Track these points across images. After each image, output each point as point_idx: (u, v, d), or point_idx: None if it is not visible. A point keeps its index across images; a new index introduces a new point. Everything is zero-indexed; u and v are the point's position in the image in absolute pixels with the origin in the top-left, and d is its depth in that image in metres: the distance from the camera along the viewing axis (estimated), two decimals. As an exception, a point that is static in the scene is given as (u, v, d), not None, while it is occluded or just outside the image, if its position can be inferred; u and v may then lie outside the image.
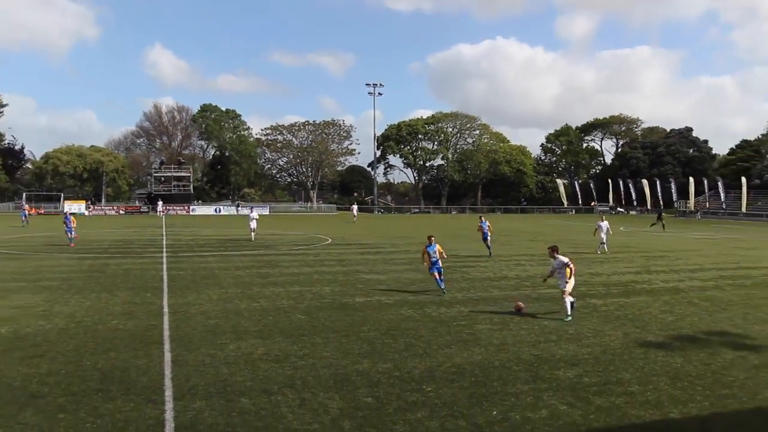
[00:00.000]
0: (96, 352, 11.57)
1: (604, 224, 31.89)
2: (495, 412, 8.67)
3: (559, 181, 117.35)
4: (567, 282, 14.99)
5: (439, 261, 18.28)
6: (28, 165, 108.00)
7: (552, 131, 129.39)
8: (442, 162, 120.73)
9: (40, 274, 22.03)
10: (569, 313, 14.89)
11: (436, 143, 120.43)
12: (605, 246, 31.70)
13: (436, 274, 18.24)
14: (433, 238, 18.56)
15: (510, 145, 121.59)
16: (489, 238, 30.06)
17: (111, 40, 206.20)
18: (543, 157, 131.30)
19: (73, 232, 33.40)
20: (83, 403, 8.78)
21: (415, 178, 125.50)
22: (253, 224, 38.35)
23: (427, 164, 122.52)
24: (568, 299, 14.99)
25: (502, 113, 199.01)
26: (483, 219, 31.02)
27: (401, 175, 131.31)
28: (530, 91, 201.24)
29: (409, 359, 11.35)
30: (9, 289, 18.56)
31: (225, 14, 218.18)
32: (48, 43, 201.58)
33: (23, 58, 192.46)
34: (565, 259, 15.14)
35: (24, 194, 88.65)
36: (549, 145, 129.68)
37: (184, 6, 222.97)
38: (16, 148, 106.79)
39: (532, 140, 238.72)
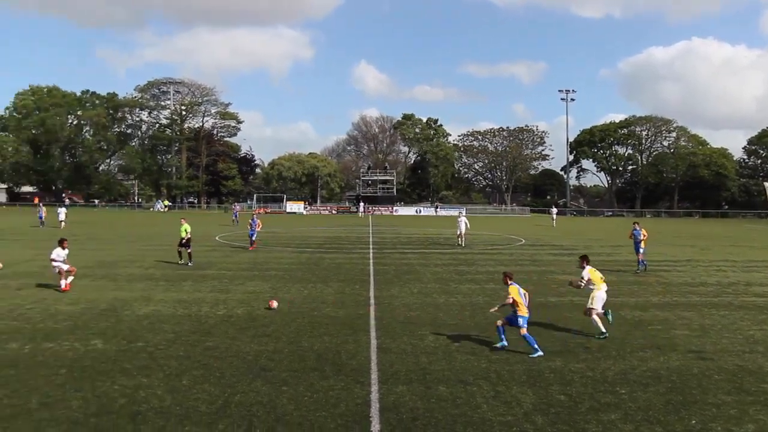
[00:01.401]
0: (313, 335, 12.50)
1: None
2: (694, 422, 7.99)
3: (766, 184, 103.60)
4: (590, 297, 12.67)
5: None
6: (258, 170, 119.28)
7: (756, 132, 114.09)
8: (636, 166, 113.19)
9: (268, 264, 24.20)
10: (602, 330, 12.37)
11: (629, 147, 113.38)
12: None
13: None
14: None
15: (710, 148, 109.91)
16: (642, 249, 23.75)
17: (323, 60, 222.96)
18: (746, 160, 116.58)
19: (255, 236, 30.68)
20: (302, 379, 9.53)
21: (608, 181, 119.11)
22: (462, 227, 34.07)
23: (620, 168, 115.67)
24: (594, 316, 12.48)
25: (698, 115, 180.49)
26: (637, 226, 24.61)
27: (593, 178, 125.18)
28: (730, 91, 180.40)
29: (602, 360, 10.83)
30: (245, 276, 20.65)
31: (420, 31, 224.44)
32: (270, 65, 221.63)
33: (252, 79, 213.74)
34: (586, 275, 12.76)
35: (255, 196, 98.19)
36: (753, 147, 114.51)
37: (384, 26, 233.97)
38: (248, 156, 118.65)
39: (731, 142, 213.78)
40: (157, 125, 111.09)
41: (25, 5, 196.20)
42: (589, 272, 12.83)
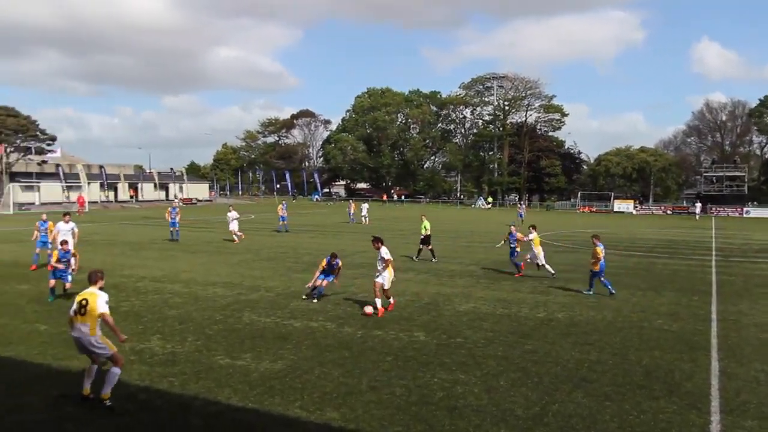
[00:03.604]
0: (641, 348, 11.84)
1: None
2: None
3: None
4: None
5: None
6: (584, 167, 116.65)
7: None
8: None
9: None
10: None
11: None
12: None
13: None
14: None
15: None
16: None
17: (656, 42, 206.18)
18: None
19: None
20: (627, 396, 9.11)
21: None
22: None
23: None
24: None
25: None
26: None
27: None
28: None
29: None
30: (567, 278, 20.41)
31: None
32: (596, 52, 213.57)
33: (576, 69, 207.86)
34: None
35: (579, 193, 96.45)
36: None
37: None
38: (573, 152, 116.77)
39: None
40: (480, 121, 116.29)
41: (363, 17, 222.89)
42: None
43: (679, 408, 8.67)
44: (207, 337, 12.08)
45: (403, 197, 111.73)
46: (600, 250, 17.48)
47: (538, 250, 20.66)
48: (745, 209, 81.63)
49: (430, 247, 25.08)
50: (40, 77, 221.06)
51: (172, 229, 32.45)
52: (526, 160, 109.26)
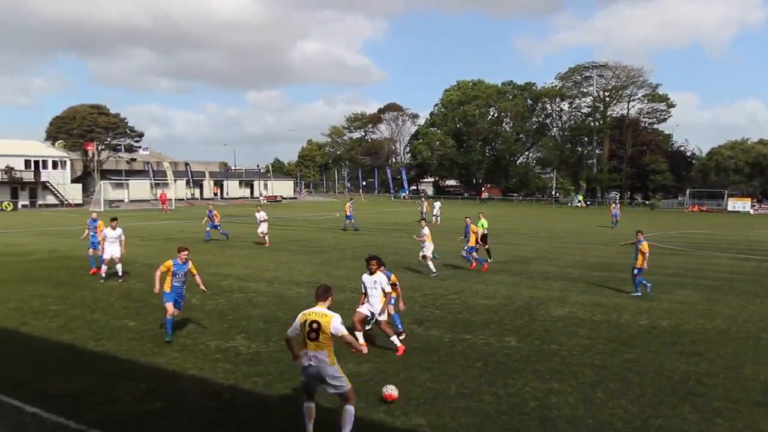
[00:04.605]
0: (758, 361, 11.21)
1: None
2: None
3: None
4: None
5: None
6: (694, 162, 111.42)
7: None
8: None
9: (703, 272, 22.61)
10: None
11: None
12: None
13: None
14: None
15: None
16: None
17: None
18: None
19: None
20: (741, 414, 8.64)
21: None
22: None
23: None
24: None
25: None
26: None
27: None
28: None
29: None
30: (673, 283, 19.68)
31: None
32: (706, 35, 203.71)
33: (684, 55, 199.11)
34: None
35: (687, 191, 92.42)
36: None
37: None
38: (681, 150, 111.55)
39: None
40: (578, 114, 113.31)
41: (449, 7, 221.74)
42: None
43: (801, 429, 8.17)
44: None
45: (486, 196, 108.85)
46: (647, 245, 17.78)
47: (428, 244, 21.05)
48: None
49: (486, 246, 24.83)
50: (126, 75, 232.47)
51: (209, 229, 31.94)
52: (628, 155, 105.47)
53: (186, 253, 12.61)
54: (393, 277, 12.20)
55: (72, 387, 9.37)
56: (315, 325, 7.51)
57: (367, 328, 12.30)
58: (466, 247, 22.66)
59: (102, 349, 11.46)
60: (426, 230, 21.34)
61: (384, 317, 11.64)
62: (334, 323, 7.53)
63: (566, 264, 24.14)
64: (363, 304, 11.78)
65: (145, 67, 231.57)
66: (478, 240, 23.42)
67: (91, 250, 20.74)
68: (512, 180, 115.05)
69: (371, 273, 11.71)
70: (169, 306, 12.08)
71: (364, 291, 11.83)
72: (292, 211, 65.30)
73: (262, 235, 30.42)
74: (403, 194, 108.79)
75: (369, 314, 11.70)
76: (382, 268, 11.90)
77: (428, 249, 20.89)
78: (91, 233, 20.93)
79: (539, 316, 14.63)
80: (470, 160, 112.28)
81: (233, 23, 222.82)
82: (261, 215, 31.13)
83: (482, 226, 24.77)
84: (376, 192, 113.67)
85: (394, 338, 11.48)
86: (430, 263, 20.75)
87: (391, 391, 8.90)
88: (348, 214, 39.40)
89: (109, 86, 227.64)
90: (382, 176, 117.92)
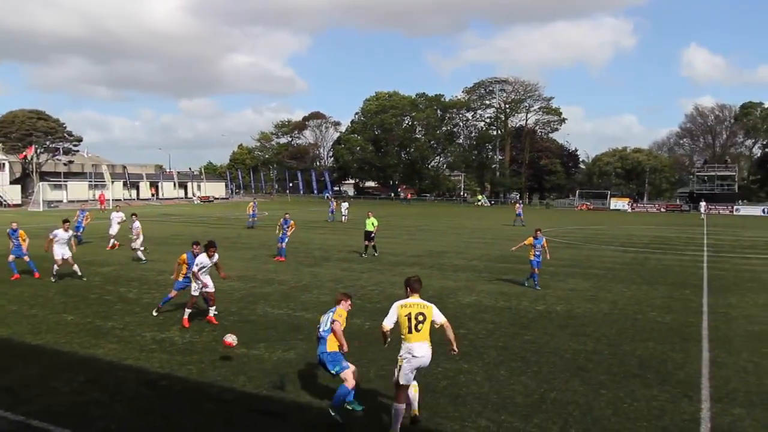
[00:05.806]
0: (635, 339, 11.83)
1: None
2: None
3: None
4: None
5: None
6: (581, 165, 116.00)
7: None
8: None
9: (590, 262, 23.58)
10: None
11: None
12: None
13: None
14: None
15: None
16: None
17: (646, 47, 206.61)
18: None
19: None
20: (622, 384, 9.11)
21: None
22: None
23: None
24: None
25: None
26: None
27: None
28: None
29: None
30: (566, 273, 20.45)
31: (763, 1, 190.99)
32: (590, 57, 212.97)
33: (572, 73, 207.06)
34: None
35: (577, 192, 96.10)
36: None
37: (716, 2, 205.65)
38: (571, 151, 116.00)
39: None
40: (482, 123, 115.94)
41: (368, 25, 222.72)
42: None
43: (671, 396, 8.67)
44: (223, 328, 12.13)
45: (410, 197, 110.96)
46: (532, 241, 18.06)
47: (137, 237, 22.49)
48: (735, 207, 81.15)
49: (373, 243, 24.44)
50: (65, 82, 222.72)
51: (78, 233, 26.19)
52: (526, 160, 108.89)
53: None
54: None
55: (9, 380, 8.93)
56: (421, 317, 7.18)
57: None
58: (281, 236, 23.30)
59: (40, 342, 10.94)
60: (137, 224, 22.60)
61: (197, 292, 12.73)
62: (436, 312, 7.38)
63: (473, 257, 24.66)
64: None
65: (83, 76, 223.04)
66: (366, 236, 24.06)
67: (11, 257, 18.17)
68: (425, 182, 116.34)
69: (210, 256, 12.96)
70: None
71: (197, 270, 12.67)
72: (223, 210, 63.90)
73: (110, 237, 25.61)
74: (327, 195, 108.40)
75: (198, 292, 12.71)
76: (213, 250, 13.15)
77: (138, 242, 22.45)
78: (15, 242, 18.31)
79: (449, 304, 14.89)
80: (387, 163, 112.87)
81: (167, 35, 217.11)
82: (118, 216, 26.12)
83: (372, 225, 24.45)
84: (301, 193, 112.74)
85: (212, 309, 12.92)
86: (140, 253, 22.33)
87: (231, 340, 9.76)
88: (251, 212, 39.07)
89: (48, 92, 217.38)
90: (306, 178, 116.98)
